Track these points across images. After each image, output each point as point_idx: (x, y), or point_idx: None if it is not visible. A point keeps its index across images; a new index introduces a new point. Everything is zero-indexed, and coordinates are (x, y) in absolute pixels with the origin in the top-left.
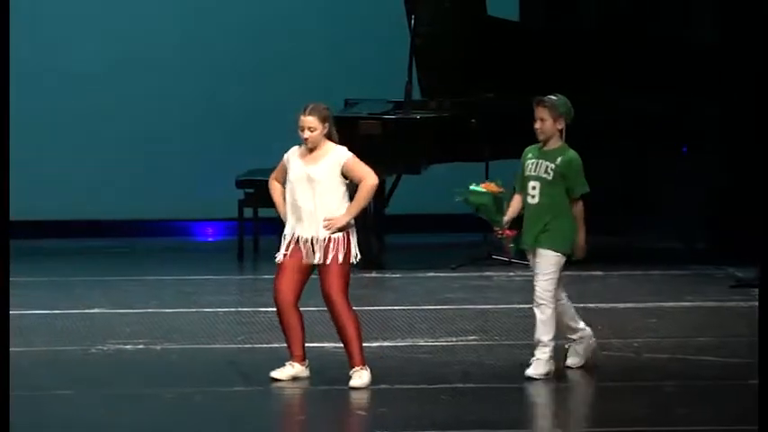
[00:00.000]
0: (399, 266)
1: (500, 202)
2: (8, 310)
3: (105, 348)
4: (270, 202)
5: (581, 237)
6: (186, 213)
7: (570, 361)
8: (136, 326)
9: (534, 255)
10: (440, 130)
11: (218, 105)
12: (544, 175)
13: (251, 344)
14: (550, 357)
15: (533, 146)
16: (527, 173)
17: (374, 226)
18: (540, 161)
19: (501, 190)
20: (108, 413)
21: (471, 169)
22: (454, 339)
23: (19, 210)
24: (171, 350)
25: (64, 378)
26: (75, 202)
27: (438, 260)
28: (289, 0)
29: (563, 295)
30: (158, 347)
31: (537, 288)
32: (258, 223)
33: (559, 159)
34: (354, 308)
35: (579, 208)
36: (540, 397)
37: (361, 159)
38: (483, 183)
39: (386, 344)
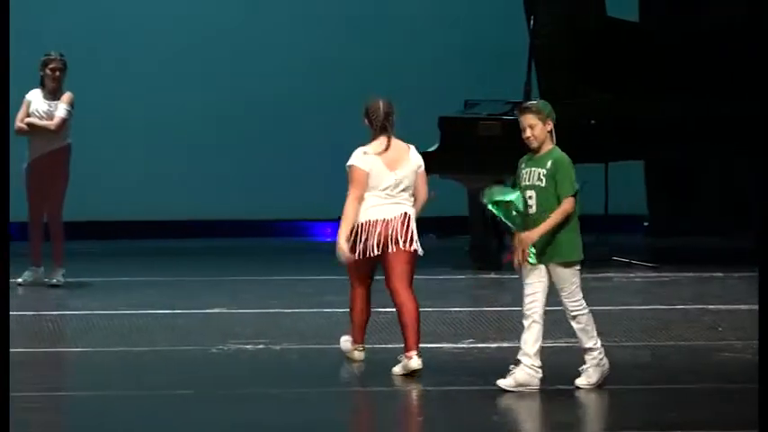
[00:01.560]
0: None
1: (518, 211)
2: (8, 310)
3: (226, 348)
4: None
5: (542, 228)
6: (305, 213)
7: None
8: (256, 326)
9: (548, 270)
10: (558, 131)
11: (346, 106)
12: (537, 183)
13: (370, 344)
14: (599, 362)
15: (527, 155)
16: (523, 183)
17: (493, 228)
18: (533, 169)
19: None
20: (227, 413)
21: (590, 170)
22: (573, 340)
23: (138, 210)
24: (291, 350)
25: (185, 378)
26: (194, 202)
27: None
28: (410, 1)
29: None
30: (278, 347)
31: (566, 303)
32: None
33: (549, 163)
34: (472, 308)
35: (564, 207)
36: (656, 397)
37: (480, 159)
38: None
39: (504, 345)
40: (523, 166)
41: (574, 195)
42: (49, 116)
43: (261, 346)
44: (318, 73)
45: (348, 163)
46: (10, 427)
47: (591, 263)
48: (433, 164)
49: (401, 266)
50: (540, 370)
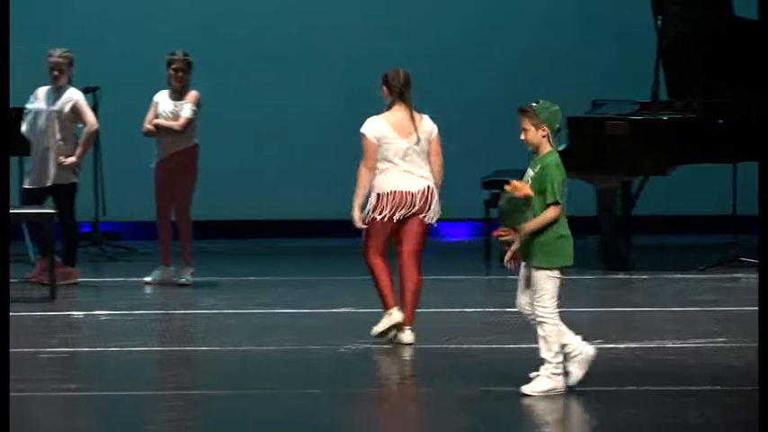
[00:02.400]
0: (646, 268)
1: (526, 206)
2: (8, 311)
3: (353, 347)
4: None
5: (528, 227)
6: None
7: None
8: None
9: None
10: (686, 131)
11: (468, 105)
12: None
13: (499, 344)
14: (553, 374)
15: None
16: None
17: (621, 227)
18: (528, 171)
19: (531, 192)
20: (353, 411)
21: (718, 170)
22: (701, 341)
23: (267, 209)
24: (420, 350)
25: (313, 377)
26: (323, 201)
27: (685, 261)
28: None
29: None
30: (411, 347)
31: (534, 307)
32: None
33: (538, 167)
34: (600, 309)
35: (545, 215)
36: None
37: (608, 159)
38: (512, 182)
39: (633, 345)
40: (529, 168)
41: (557, 203)
42: (175, 116)
43: (388, 346)
44: (441, 72)
45: (361, 130)
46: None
47: (720, 264)
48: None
49: (415, 239)
50: (560, 371)
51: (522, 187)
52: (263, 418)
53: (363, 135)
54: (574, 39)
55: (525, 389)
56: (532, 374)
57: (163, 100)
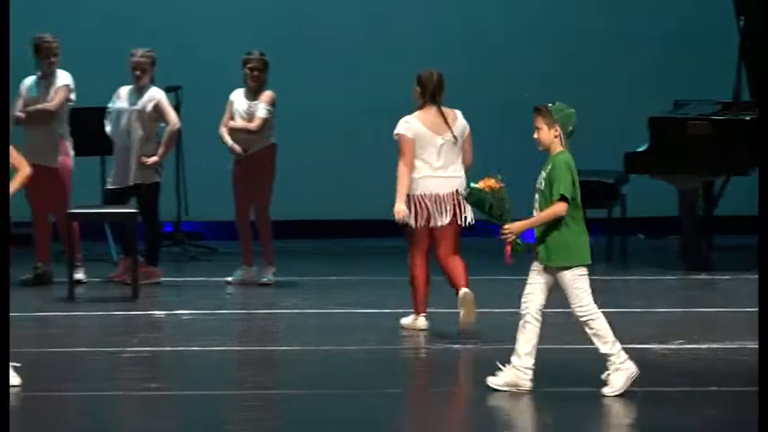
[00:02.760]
0: (728, 268)
1: (500, 200)
2: (8, 311)
3: (434, 347)
4: None
5: (525, 223)
6: (516, 214)
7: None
8: (478, 325)
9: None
10: None
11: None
12: (539, 186)
13: (579, 345)
14: (620, 365)
15: None
16: (536, 186)
17: (703, 228)
18: (541, 172)
19: (500, 185)
20: (434, 411)
21: None
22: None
23: (347, 209)
24: (500, 350)
25: (394, 377)
26: None
27: None
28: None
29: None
30: (487, 347)
31: (572, 309)
32: (586, 224)
33: (549, 167)
34: (681, 309)
35: (552, 208)
36: None
37: (690, 159)
38: (482, 180)
39: (714, 346)
40: (542, 170)
41: (566, 199)
42: (250, 116)
43: (470, 346)
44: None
45: (395, 132)
46: (222, 425)
47: None
48: (642, 164)
49: (450, 239)
50: (529, 371)
51: (494, 183)
52: (342, 418)
53: (400, 134)
54: (655, 39)
55: (606, 391)
56: (603, 376)
57: (238, 99)
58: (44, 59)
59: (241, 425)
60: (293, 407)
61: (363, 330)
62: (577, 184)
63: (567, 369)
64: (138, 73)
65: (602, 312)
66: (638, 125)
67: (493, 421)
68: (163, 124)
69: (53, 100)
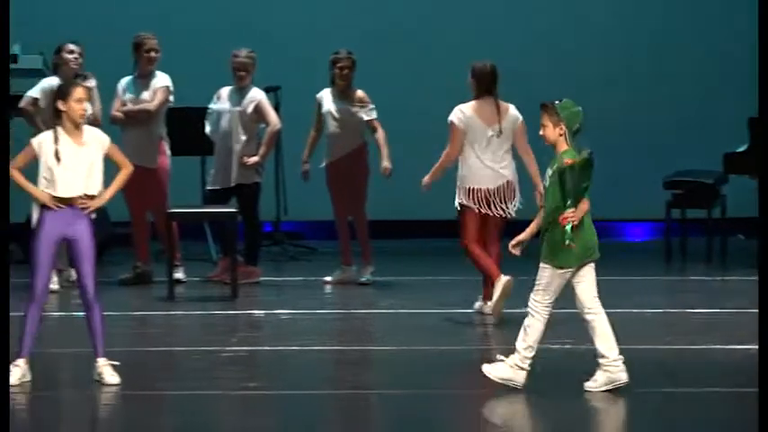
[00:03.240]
0: None
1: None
2: (8, 311)
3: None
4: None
5: (577, 214)
6: (614, 213)
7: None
8: (559, 326)
9: None
10: None
11: (652, 105)
12: (544, 183)
13: (678, 345)
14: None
15: None
16: (543, 182)
17: None
18: (548, 169)
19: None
20: (531, 411)
21: None
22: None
23: (444, 209)
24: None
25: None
26: None
27: None
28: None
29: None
30: (582, 347)
31: (593, 301)
32: (685, 225)
33: (555, 165)
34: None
35: (584, 207)
36: None
37: None
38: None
39: None
40: (548, 168)
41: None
42: (343, 116)
43: (557, 346)
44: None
45: (448, 118)
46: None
47: None
48: (742, 164)
49: (495, 230)
50: (524, 368)
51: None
52: (440, 417)
53: (452, 122)
54: (751, 38)
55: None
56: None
57: (327, 99)
58: (143, 58)
59: (338, 424)
60: (390, 406)
61: (461, 330)
62: (578, 185)
63: (661, 369)
64: (241, 74)
65: (699, 312)
66: (738, 125)
67: (583, 421)
68: (263, 125)
69: (153, 101)
